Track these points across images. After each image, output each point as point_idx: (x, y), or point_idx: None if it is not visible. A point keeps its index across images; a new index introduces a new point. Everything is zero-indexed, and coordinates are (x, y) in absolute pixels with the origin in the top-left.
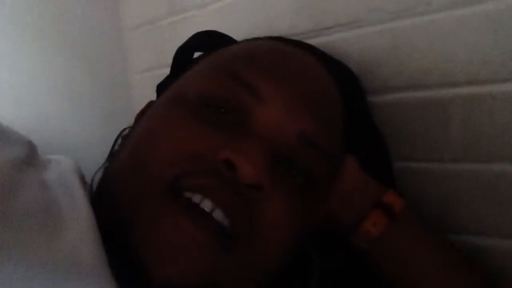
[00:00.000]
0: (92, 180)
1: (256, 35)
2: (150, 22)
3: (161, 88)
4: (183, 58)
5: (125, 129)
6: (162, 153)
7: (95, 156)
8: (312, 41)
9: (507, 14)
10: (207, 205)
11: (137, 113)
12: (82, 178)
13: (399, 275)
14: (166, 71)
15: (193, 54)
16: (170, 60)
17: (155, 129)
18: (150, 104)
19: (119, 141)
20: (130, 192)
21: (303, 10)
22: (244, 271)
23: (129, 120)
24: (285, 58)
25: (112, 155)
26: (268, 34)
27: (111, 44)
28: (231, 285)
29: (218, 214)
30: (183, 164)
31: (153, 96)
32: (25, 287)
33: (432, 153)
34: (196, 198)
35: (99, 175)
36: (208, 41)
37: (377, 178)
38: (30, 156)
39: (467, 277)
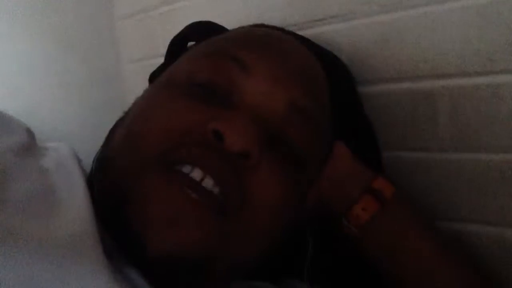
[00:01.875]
0: (93, 163)
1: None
2: (142, 11)
3: (154, 77)
4: (177, 48)
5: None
6: (152, 130)
7: (87, 146)
8: (304, 33)
9: (495, 7)
10: (196, 174)
11: (128, 102)
12: (79, 163)
13: (389, 261)
14: (158, 60)
15: (187, 44)
16: (162, 50)
17: (146, 109)
18: None
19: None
20: (124, 168)
21: (294, 2)
22: (237, 240)
23: (121, 110)
24: (270, 36)
25: (107, 138)
26: None
27: (103, 33)
28: (226, 255)
29: (208, 183)
30: (173, 138)
31: (145, 86)
32: (24, 268)
33: (420, 143)
34: (186, 168)
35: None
36: (203, 31)
37: (368, 166)
38: (29, 143)
39: (457, 263)
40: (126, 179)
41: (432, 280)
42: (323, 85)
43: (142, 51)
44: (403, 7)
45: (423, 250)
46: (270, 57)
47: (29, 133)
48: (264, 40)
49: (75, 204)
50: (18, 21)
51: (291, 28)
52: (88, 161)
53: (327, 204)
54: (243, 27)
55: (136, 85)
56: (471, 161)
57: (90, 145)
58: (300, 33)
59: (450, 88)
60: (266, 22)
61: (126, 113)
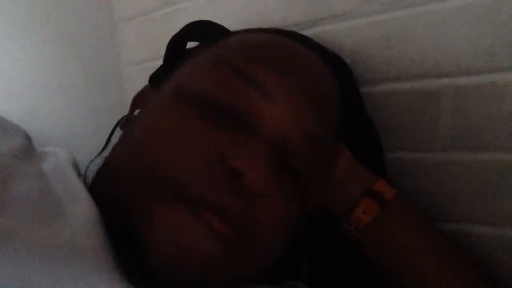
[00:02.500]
0: (86, 170)
1: (249, 26)
2: (143, 14)
3: (154, 79)
4: (176, 47)
5: (122, 118)
6: (166, 157)
7: (86, 149)
8: (306, 32)
9: (498, 5)
10: (206, 215)
11: (128, 106)
12: (77, 169)
13: (389, 264)
14: (159, 63)
15: (186, 44)
16: (163, 53)
17: (159, 130)
18: (147, 89)
19: (117, 131)
20: (132, 189)
21: (296, 1)
22: (238, 273)
23: (121, 113)
24: (286, 53)
25: (110, 145)
26: (261, 25)
27: (104, 35)
28: (225, 274)
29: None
30: (190, 172)
31: None
32: (21, 270)
33: (422, 143)
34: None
35: (94, 166)
36: (202, 30)
37: (368, 167)
38: (27, 147)
39: (458, 264)
40: (134, 199)
41: (434, 281)
42: (337, 100)
43: (143, 54)
44: (405, 5)
45: (424, 252)
46: (290, 82)
47: (27, 137)
48: (281, 60)
49: (78, 210)
50: (20, 23)
51: (292, 28)
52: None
53: (327, 206)
54: (252, 32)
55: (136, 87)
56: (472, 161)
57: (90, 148)
58: (301, 32)
59: (452, 87)
60: (268, 22)
61: (131, 118)
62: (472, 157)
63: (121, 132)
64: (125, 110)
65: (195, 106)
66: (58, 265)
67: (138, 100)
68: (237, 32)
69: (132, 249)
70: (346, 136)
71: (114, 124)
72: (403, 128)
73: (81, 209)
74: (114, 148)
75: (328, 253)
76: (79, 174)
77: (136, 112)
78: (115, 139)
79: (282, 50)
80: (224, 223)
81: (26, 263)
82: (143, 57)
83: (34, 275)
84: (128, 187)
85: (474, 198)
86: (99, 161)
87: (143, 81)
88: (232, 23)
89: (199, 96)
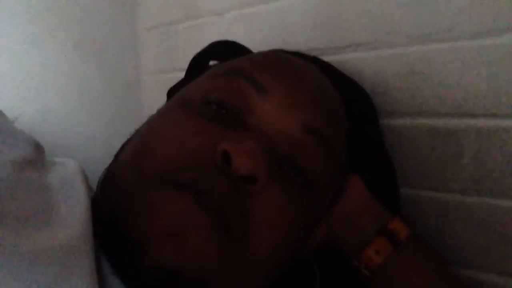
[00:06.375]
0: (99, 180)
1: (272, 48)
2: (166, 25)
3: (172, 92)
4: (198, 65)
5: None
6: (162, 147)
7: (100, 156)
8: (328, 58)
9: None
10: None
11: (145, 114)
12: (85, 180)
13: None
14: (178, 74)
15: (208, 62)
16: (182, 64)
17: (157, 127)
18: None
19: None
20: (131, 184)
21: (320, 26)
22: (238, 267)
23: (137, 122)
24: (288, 60)
25: (117, 154)
26: (283, 48)
27: (125, 43)
28: (223, 281)
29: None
30: (182, 157)
31: (163, 99)
32: (11, 281)
33: (441, 183)
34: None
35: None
36: (226, 50)
37: (383, 203)
38: (34, 158)
39: None
40: (131, 192)
41: None
42: (340, 111)
43: (163, 64)
44: (432, 40)
45: None
46: (286, 81)
47: (38, 147)
48: (282, 64)
49: (72, 222)
50: (41, 26)
51: (314, 53)
52: (97, 173)
53: (337, 241)
54: (263, 51)
55: (153, 97)
56: (492, 206)
57: (104, 156)
58: (323, 58)
59: (476, 128)
60: (291, 44)
61: (137, 131)
62: (491, 202)
63: None
64: (141, 119)
65: (193, 106)
66: (48, 277)
67: None
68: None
69: (128, 253)
70: (362, 168)
71: (128, 133)
72: (422, 165)
73: (78, 220)
74: (116, 155)
75: (338, 284)
76: (87, 183)
77: None
78: None
79: (286, 59)
80: (216, 203)
81: (17, 275)
82: (163, 67)
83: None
84: (126, 182)
85: (493, 245)
86: None
87: (161, 92)
88: (253, 43)
89: (198, 97)
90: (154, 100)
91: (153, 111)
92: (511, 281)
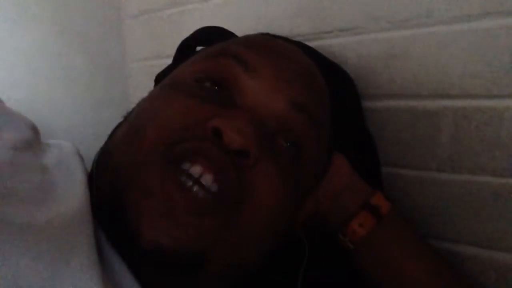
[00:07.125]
0: (94, 162)
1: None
2: (150, 12)
3: (160, 78)
4: (185, 51)
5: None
6: (154, 126)
7: (87, 141)
8: (311, 44)
9: (500, 32)
10: (195, 170)
11: (131, 101)
12: (81, 161)
13: (382, 277)
14: (164, 61)
15: (195, 48)
16: (167, 51)
17: (148, 108)
18: None
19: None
20: (124, 161)
21: (304, 12)
22: (233, 240)
23: (123, 108)
24: (274, 41)
25: (109, 136)
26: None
27: (110, 31)
28: (219, 255)
29: (206, 179)
30: (174, 134)
31: (148, 85)
32: (9, 260)
33: (419, 162)
34: (186, 165)
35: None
36: (213, 36)
37: (366, 180)
38: (32, 140)
39: (450, 281)
40: (126, 171)
41: None
42: (324, 91)
43: (148, 51)
44: (411, 25)
45: (416, 268)
46: (272, 59)
47: (34, 129)
48: (268, 44)
49: (71, 198)
50: (26, 12)
51: (298, 38)
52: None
53: (323, 215)
54: (250, 34)
55: (139, 84)
56: (467, 182)
57: (90, 141)
58: (307, 43)
59: (453, 109)
60: (275, 30)
61: (129, 113)
62: (467, 179)
63: None
64: (127, 106)
65: (183, 86)
66: (48, 257)
67: None
68: None
69: (124, 232)
70: (346, 147)
71: (115, 120)
72: (402, 145)
73: (77, 199)
74: (110, 135)
75: (322, 263)
76: (83, 164)
77: None
78: None
79: (271, 40)
80: (210, 169)
81: (14, 254)
82: (148, 54)
83: (22, 269)
84: (120, 162)
85: (467, 219)
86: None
87: (146, 78)
88: (237, 30)
89: (188, 78)
90: (140, 86)
91: (139, 97)
92: (482, 252)
